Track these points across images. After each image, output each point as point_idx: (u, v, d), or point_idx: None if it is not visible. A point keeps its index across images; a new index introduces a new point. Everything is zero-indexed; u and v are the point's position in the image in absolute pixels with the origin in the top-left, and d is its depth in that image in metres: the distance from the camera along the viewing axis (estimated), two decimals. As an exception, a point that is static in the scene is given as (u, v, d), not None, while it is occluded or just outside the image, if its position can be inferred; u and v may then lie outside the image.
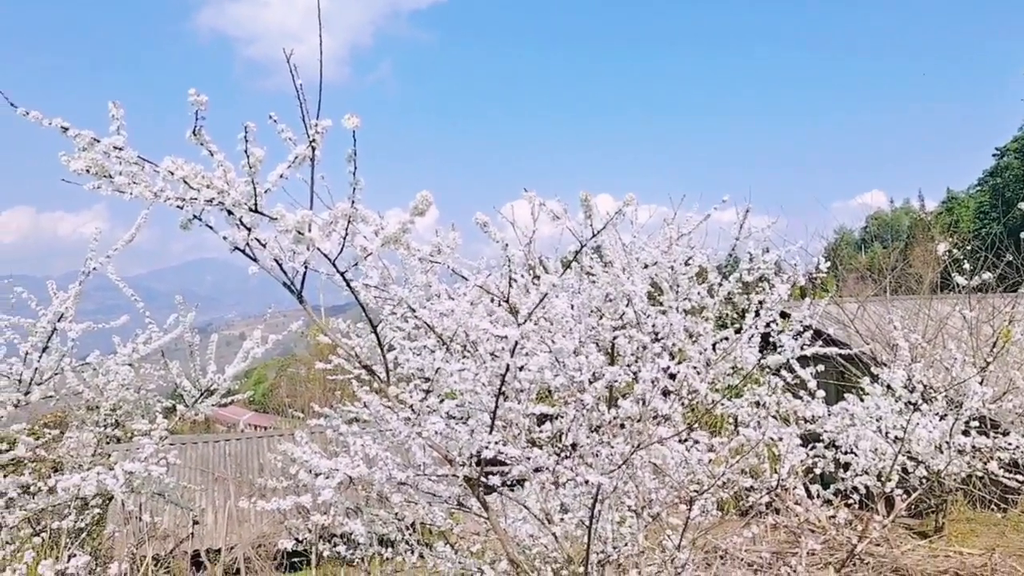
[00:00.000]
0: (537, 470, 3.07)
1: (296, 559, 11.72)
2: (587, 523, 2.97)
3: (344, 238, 2.28)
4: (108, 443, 5.74)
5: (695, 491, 3.68)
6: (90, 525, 5.85)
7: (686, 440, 3.52)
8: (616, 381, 3.09)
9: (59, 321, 4.27)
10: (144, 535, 11.57)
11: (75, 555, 3.89)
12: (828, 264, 5.03)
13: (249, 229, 2.26)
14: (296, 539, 5.22)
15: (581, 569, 3.27)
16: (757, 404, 4.94)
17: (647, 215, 5.36)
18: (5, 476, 4.76)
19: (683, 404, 3.56)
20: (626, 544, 3.75)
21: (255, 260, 2.46)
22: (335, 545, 4.87)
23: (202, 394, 5.64)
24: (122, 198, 2.11)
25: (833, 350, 5.49)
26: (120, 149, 2.05)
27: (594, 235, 2.21)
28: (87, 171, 2.09)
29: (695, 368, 3.69)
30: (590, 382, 2.90)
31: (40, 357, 4.37)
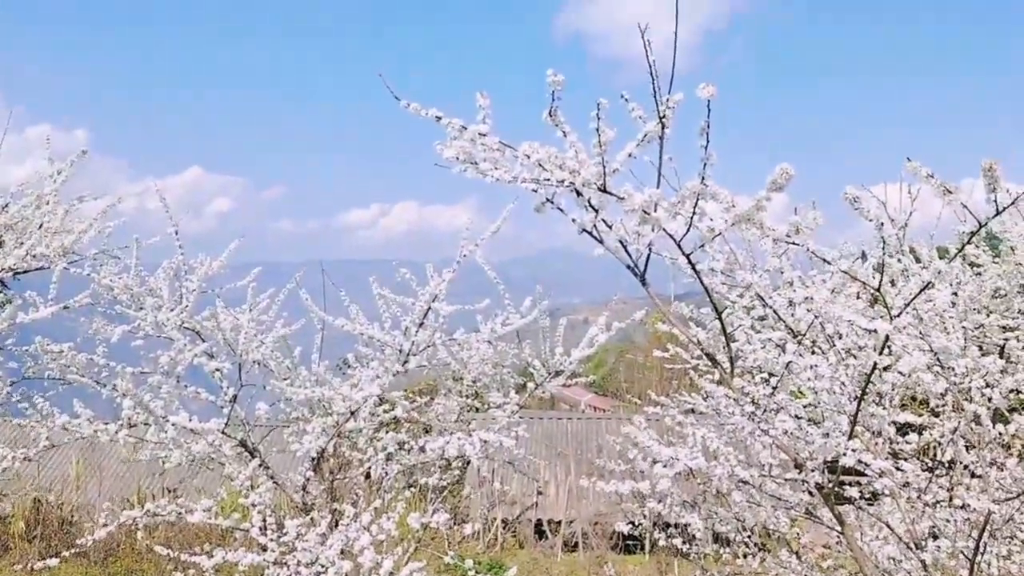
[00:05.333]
0: (905, 485, 2.68)
1: (630, 542, 11.96)
2: (968, 556, 2.51)
3: (691, 218, 2.18)
4: (468, 411, 6.32)
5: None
6: (451, 484, 6.50)
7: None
8: (1020, 391, 2.56)
9: (433, 301, 4.76)
10: (495, 499, 12.73)
11: (438, 510, 4.32)
12: None
13: (596, 210, 2.27)
14: (631, 523, 5.27)
15: (956, 607, 2.79)
16: None
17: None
18: (387, 433, 5.44)
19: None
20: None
21: (600, 242, 2.47)
22: (671, 536, 4.81)
23: (550, 374, 5.94)
24: (484, 183, 2.25)
25: None
26: (484, 135, 2.18)
27: (998, 211, 1.82)
28: (456, 158, 2.26)
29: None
30: (983, 391, 2.43)
31: (417, 331, 4.91)
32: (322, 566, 3.79)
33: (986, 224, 1.88)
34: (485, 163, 2.30)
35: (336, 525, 4.13)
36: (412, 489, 6.11)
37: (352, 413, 4.84)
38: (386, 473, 5.42)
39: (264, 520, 4.27)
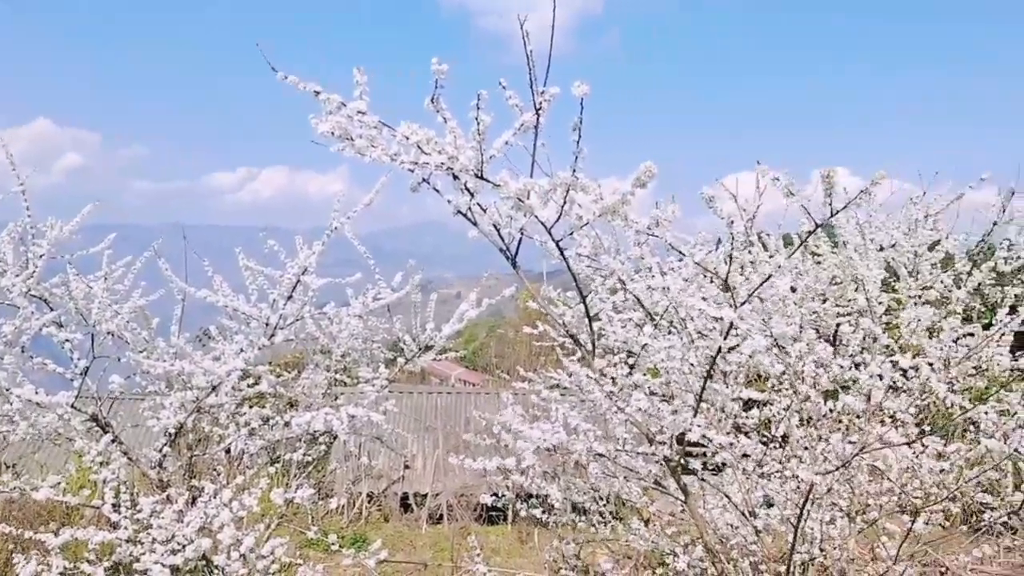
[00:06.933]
0: (744, 458, 2.94)
1: (494, 513, 12.28)
2: (793, 522, 2.79)
3: (562, 207, 2.28)
4: (336, 386, 6.27)
5: (920, 501, 3.35)
6: (316, 460, 6.44)
7: (915, 444, 3.20)
8: (840, 373, 2.86)
9: (303, 274, 4.68)
10: (361, 473, 12.67)
11: (302, 485, 4.29)
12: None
13: (472, 194, 2.34)
14: (495, 495, 5.43)
15: (783, 568, 3.10)
16: (1004, 412, 4.38)
17: (888, 192, 4.88)
18: (250, 407, 5.32)
19: (915, 404, 3.23)
20: (835, 548, 3.50)
21: (475, 224, 2.54)
22: (531, 507, 5.01)
23: (420, 349, 6.00)
24: (362, 160, 2.25)
25: (1104, 358, 4.71)
26: (363, 113, 2.19)
27: (832, 215, 2.04)
28: (332, 133, 2.25)
29: (932, 366, 3.33)
30: (814, 372, 2.70)
31: (285, 304, 4.81)
32: (179, 543, 3.70)
33: (821, 226, 2.09)
34: (362, 140, 2.30)
35: (194, 502, 4.03)
36: (276, 464, 6.02)
37: (214, 387, 4.70)
38: (248, 448, 5.31)
39: (117, 497, 4.10)
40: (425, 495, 12.70)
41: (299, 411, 5.29)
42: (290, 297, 4.79)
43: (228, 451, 5.56)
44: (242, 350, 4.68)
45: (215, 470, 5.69)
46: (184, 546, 3.65)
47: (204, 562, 3.96)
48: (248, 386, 5.09)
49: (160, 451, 4.71)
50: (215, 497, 3.81)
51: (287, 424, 5.18)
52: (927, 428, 3.20)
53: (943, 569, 5.89)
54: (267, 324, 4.84)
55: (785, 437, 3.35)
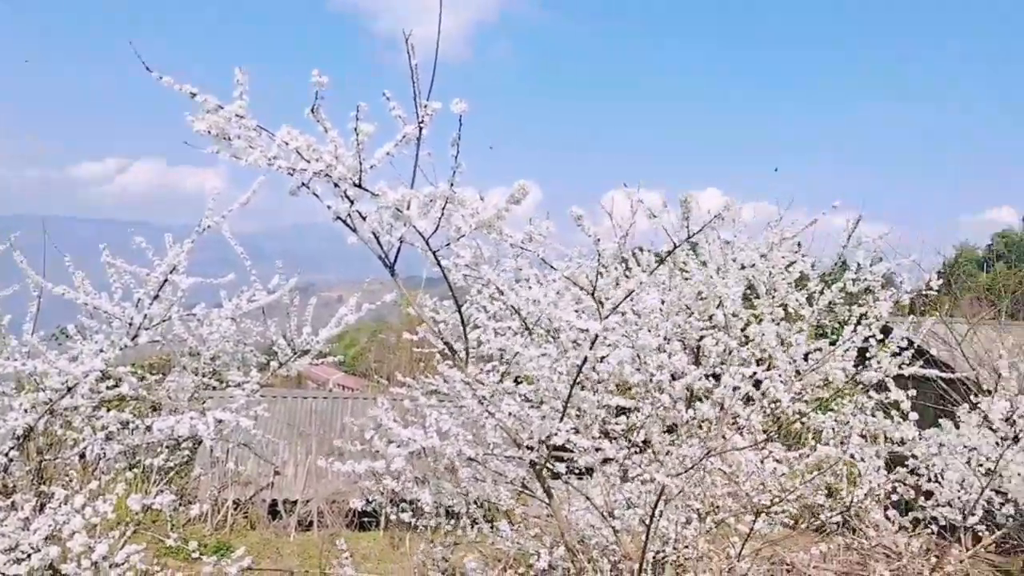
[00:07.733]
0: (606, 461, 3.09)
1: (366, 519, 12.14)
2: (647, 522, 2.97)
3: (440, 218, 2.34)
4: (204, 390, 6.05)
5: (764, 503, 3.62)
6: (179, 465, 6.20)
7: (761, 450, 3.46)
8: (696, 383, 3.06)
9: (171, 273, 4.50)
10: (228, 480, 12.22)
11: (162, 491, 4.13)
12: (941, 281, 4.85)
13: (352, 201, 2.35)
14: (367, 500, 5.40)
15: (637, 566, 3.28)
16: (846, 422, 4.79)
17: (751, 214, 5.23)
18: (108, 411, 5.08)
19: (764, 413, 3.49)
20: (686, 546, 3.72)
21: (354, 231, 2.56)
22: (402, 511, 5.03)
23: (295, 354, 5.87)
24: (238, 163, 2.22)
25: (934, 372, 5.24)
26: (241, 117, 2.16)
27: (688, 237, 2.20)
28: (209, 133, 2.21)
29: (781, 377, 3.61)
30: (670, 381, 2.89)
31: (151, 304, 4.62)
32: (24, 552, 3.51)
33: (679, 247, 2.25)
34: (240, 141, 2.28)
35: (43, 508, 3.82)
36: (134, 470, 5.75)
37: (69, 389, 4.47)
38: (104, 453, 5.06)
39: (-46, 506, 3.83)
40: (295, 502, 12.41)
41: (163, 415, 5.08)
42: (157, 296, 4.60)
43: (83, 455, 5.28)
44: (102, 350, 4.46)
45: (67, 475, 5.39)
46: (29, 555, 3.46)
47: (51, 571, 3.77)
48: (107, 388, 4.86)
49: (6, 455, 4.42)
50: (66, 503, 3.64)
51: (148, 428, 4.98)
52: (773, 435, 3.47)
53: (789, 566, 6.34)
54: (131, 324, 4.64)
55: (647, 442, 3.54)
